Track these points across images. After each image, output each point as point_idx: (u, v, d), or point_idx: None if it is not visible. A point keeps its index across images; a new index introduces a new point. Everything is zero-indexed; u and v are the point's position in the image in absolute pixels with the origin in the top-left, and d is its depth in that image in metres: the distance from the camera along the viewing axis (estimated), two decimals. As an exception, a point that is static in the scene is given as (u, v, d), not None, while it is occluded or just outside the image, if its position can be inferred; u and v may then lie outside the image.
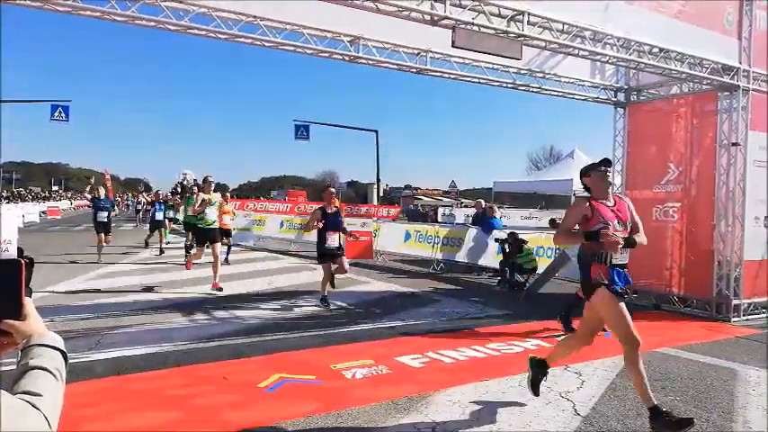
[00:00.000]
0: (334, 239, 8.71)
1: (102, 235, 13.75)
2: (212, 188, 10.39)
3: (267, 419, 4.27)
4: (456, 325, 7.85)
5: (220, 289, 9.64)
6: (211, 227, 10.12)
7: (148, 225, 18.30)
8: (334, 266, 8.79)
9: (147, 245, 16.83)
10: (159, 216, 16.54)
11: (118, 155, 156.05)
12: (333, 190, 9.20)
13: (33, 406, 1.07)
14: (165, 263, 13.92)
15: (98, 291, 9.75)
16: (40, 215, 35.06)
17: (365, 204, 34.61)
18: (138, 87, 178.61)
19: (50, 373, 1.16)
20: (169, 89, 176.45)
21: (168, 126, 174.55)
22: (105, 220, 13.92)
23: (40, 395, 1.10)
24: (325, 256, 8.75)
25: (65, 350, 1.23)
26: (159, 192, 20.39)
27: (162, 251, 15.73)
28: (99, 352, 5.96)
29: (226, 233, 13.72)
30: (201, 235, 10.28)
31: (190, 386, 4.98)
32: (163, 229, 16.55)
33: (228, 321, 7.73)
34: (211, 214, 10.06)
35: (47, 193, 70.90)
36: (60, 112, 22.65)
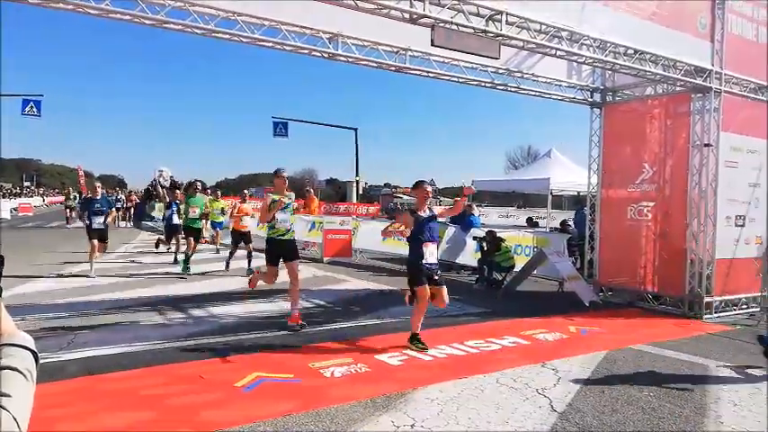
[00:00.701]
0: (432, 253, 6.32)
1: (96, 241, 11.08)
2: (286, 184, 7.50)
3: (244, 419, 4.23)
4: (434, 323, 7.85)
5: (303, 325, 7.16)
6: (286, 238, 7.38)
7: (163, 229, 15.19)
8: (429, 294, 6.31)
9: (177, 261, 12.81)
10: (176, 219, 13.59)
11: (91, 151, 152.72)
12: (429, 188, 6.64)
13: (2, 407, 1.04)
14: (143, 268, 13.70)
15: (71, 289, 9.56)
16: (12, 212, 34.25)
17: (344, 202, 34.56)
18: (110, 82, 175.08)
19: (21, 373, 1.12)
20: (143, 85, 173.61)
21: (143, 121, 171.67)
22: (102, 226, 11.22)
23: (9, 396, 1.07)
24: (422, 275, 6.26)
25: (35, 350, 1.20)
26: (177, 191, 17.63)
27: (177, 260, 13.00)
28: (71, 351, 5.85)
29: (245, 237, 12.29)
30: (274, 250, 7.37)
31: (165, 386, 4.92)
32: (179, 234, 13.63)
33: (205, 320, 7.64)
34: (284, 221, 7.35)
35: (18, 190, 69.28)
36: (32, 106, 22.18)
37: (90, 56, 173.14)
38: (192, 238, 11.95)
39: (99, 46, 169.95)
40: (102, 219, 11.21)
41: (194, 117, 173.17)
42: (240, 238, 12.33)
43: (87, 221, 11.27)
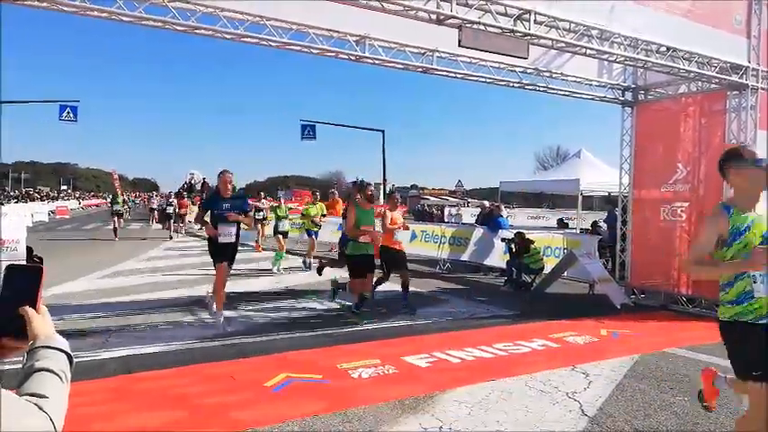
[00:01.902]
0: None
1: (225, 264, 7.21)
2: None
3: (274, 418, 4.27)
4: (462, 325, 7.83)
5: None
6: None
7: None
8: None
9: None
10: (284, 226, 13.29)
11: (125, 155, 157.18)
12: None
13: (39, 407, 1.08)
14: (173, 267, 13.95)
15: (106, 290, 9.80)
16: (49, 215, 35.30)
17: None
18: (144, 87, 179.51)
19: (56, 375, 1.17)
20: (174, 89, 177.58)
21: (174, 126, 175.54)
22: (232, 239, 7.16)
23: (45, 397, 1.12)
24: None
25: (70, 353, 1.24)
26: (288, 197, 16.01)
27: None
28: (107, 351, 5.99)
29: (401, 261, 8.66)
30: None
31: (197, 385, 5.00)
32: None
33: (235, 320, 7.74)
34: None
35: (55, 193, 71.32)
36: (69, 112, 22.81)
37: (122, 60, 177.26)
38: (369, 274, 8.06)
39: (130, 50, 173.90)
40: (233, 229, 7.11)
41: (218, 119, 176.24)
42: (395, 261, 8.53)
43: (212, 232, 7.15)
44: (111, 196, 30.60)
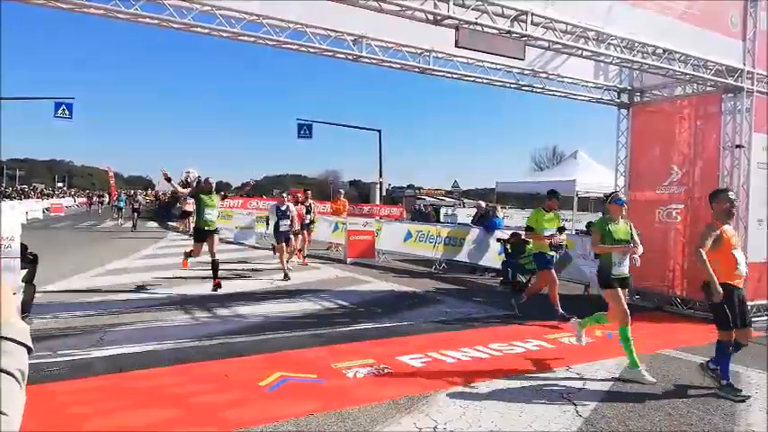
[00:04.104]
0: None
1: None
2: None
3: (268, 418, 4.27)
4: (458, 325, 7.84)
5: None
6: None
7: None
8: None
9: None
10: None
11: (119, 152, 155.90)
12: None
13: None
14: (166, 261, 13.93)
15: (100, 288, 9.76)
16: (44, 212, 35.16)
17: (368, 204, 34.66)
18: (139, 85, 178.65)
19: (13, 377, 0.98)
20: (171, 87, 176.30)
21: (170, 123, 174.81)
22: None
23: (5, 414, 0.93)
24: None
25: (31, 346, 1.04)
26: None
27: None
28: (100, 349, 5.96)
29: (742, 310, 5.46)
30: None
31: (190, 384, 4.99)
32: None
33: (230, 319, 7.73)
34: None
35: (50, 190, 71.02)
36: (64, 109, 22.72)
37: (117, 57, 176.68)
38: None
39: (125, 46, 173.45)
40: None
41: (218, 118, 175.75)
42: (742, 311, 5.47)
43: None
44: (170, 190, 24.29)
